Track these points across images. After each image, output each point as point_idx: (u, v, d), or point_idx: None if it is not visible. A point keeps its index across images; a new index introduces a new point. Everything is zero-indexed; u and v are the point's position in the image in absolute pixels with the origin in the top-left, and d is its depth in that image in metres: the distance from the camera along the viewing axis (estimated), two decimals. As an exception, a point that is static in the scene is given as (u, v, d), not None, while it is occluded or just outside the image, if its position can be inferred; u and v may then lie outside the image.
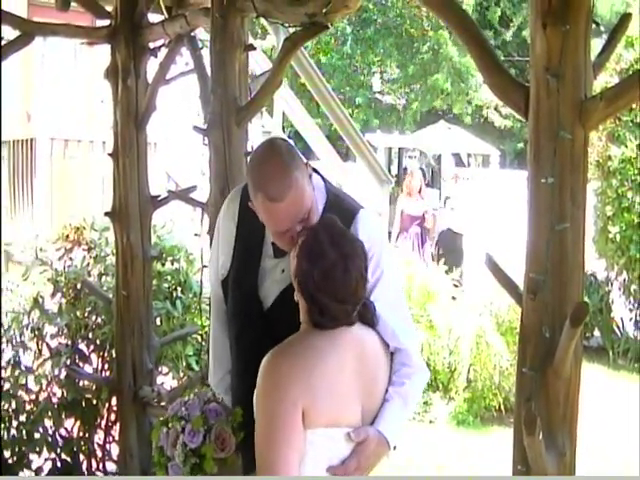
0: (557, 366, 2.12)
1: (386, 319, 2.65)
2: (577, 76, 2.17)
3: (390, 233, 12.55)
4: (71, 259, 5.59)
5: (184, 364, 5.45)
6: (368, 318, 2.60)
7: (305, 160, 2.70)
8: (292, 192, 2.53)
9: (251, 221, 2.72)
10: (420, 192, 12.99)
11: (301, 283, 2.48)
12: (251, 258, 2.82)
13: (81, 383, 5.19)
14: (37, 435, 5.11)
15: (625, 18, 2.37)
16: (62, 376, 5.14)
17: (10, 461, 5.09)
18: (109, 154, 4.78)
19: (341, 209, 2.74)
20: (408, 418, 2.71)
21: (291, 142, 2.80)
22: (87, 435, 5.29)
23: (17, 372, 5.19)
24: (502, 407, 7.90)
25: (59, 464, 5.19)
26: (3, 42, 4.41)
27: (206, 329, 5.08)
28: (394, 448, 2.58)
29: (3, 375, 5.17)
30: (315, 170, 2.80)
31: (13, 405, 5.12)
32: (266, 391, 2.40)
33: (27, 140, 10.24)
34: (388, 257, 2.81)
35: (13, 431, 5.11)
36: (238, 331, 2.87)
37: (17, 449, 5.10)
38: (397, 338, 2.66)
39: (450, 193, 12.40)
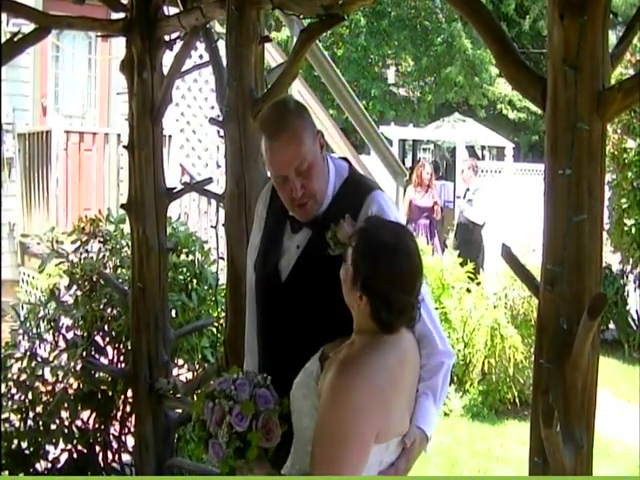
0: (575, 358, 2.11)
1: None
2: (595, 67, 2.16)
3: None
4: (87, 251, 5.61)
5: (200, 356, 5.46)
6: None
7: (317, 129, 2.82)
8: (289, 133, 2.70)
9: (279, 204, 2.86)
10: (429, 183, 12.88)
11: (368, 283, 2.39)
12: (275, 236, 2.92)
13: (97, 375, 5.22)
14: (53, 426, 5.15)
15: (643, 9, 2.36)
16: (78, 368, 5.17)
17: (27, 452, 5.13)
18: (124, 147, 4.79)
19: (358, 187, 2.84)
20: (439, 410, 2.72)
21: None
22: (103, 427, 5.32)
23: (33, 363, 5.22)
24: (517, 400, 7.90)
25: (75, 455, 5.22)
26: (19, 35, 4.43)
27: (222, 321, 5.09)
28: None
29: (20, 366, 5.21)
30: (346, 159, 2.96)
31: (30, 396, 5.15)
32: (343, 418, 2.32)
33: (42, 132, 10.24)
34: None
35: (30, 422, 5.14)
36: (260, 305, 2.96)
37: (33, 440, 5.13)
38: (424, 320, 2.64)
39: (470, 185, 12.27)
